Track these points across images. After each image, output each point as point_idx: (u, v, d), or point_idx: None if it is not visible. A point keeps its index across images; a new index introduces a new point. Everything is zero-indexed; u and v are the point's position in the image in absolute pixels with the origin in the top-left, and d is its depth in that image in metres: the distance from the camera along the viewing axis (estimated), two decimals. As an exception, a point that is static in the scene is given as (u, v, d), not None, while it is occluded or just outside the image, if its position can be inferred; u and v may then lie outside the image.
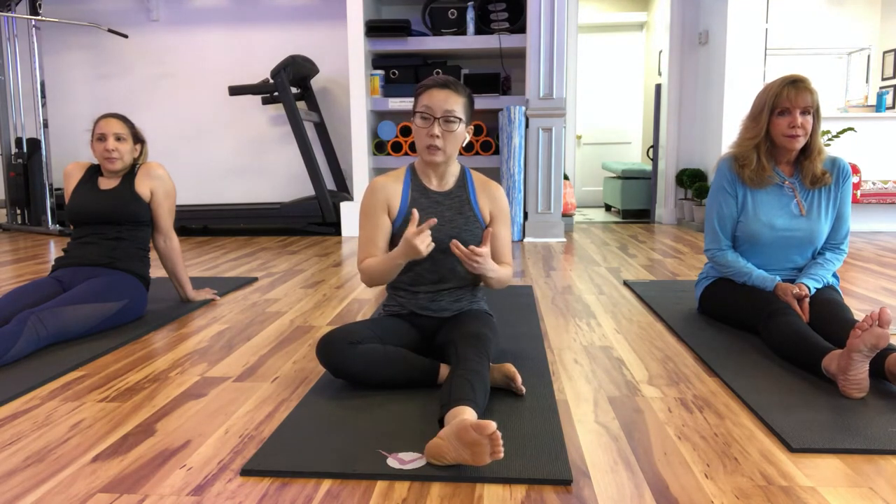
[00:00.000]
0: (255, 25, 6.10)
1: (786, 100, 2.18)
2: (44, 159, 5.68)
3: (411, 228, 1.70)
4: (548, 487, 1.28)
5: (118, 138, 2.61)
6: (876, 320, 1.61)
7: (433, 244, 1.73)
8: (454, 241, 1.70)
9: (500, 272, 1.87)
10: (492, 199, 1.96)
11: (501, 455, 1.26)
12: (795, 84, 2.17)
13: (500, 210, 1.96)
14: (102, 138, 2.60)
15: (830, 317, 2.03)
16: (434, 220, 1.70)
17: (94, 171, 2.71)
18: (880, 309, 1.61)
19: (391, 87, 5.41)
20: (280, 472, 1.33)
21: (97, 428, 1.59)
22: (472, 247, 1.70)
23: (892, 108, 6.03)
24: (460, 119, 1.81)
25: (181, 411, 1.69)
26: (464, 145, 1.86)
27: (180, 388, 1.87)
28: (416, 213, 1.72)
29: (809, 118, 2.18)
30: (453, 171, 1.95)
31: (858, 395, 1.67)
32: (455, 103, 1.80)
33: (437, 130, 1.79)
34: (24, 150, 5.78)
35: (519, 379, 1.74)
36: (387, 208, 1.89)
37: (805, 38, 6.58)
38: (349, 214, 5.48)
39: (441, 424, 1.45)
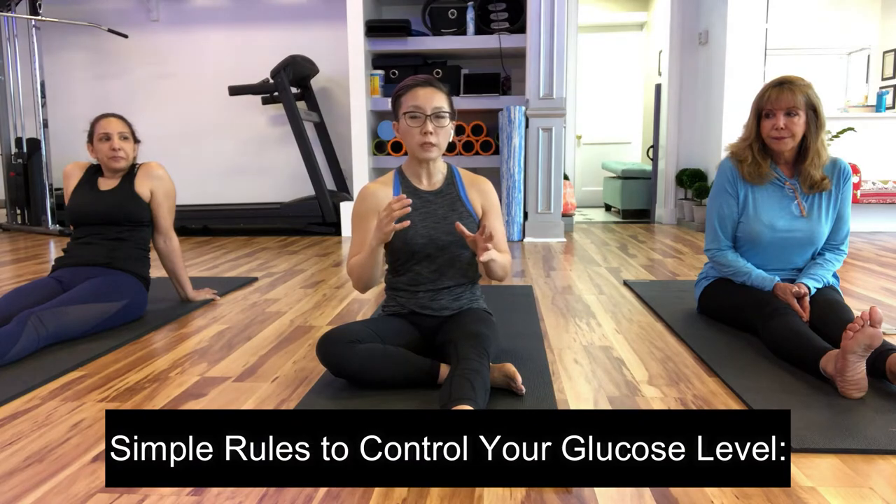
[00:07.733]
0: (255, 25, 6.09)
1: (768, 102, 2.18)
2: (44, 159, 5.68)
3: (386, 210, 1.68)
4: (548, 487, 1.28)
5: (123, 137, 2.62)
6: (867, 320, 1.61)
7: (416, 233, 1.71)
8: (458, 223, 1.72)
9: (501, 258, 1.85)
10: (481, 193, 1.97)
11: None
12: (780, 86, 2.17)
13: (491, 204, 1.98)
14: (107, 138, 2.59)
15: (831, 317, 2.03)
16: (408, 223, 1.70)
17: (93, 172, 2.71)
18: (870, 308, 1.61)
19: (391, 87, 5.40)
20: (280, 472, 1.33)
21: (97, 428, 1.59)
22: (478, 235, 1.69)
23: (892, 108, 6.03)
24: (448, 113, 1.85)
25: (181, 411, 1.69)
26: (450, 140, 1.90)
27: (180, 388, 1.88)
28: (403, 196, 1.68)
29: (797, 119, 2.16)
30: (441, 169, 1.96)
31: (857, 395, 1.67)
32: (441, 100, 1.83)
33: (430, 127, 1.81)
34: (24, 150, 5.78)
35: (519, 379, 1.74)
36: (378, 214, 1.88)
37: (805, 38, 6.59)
38: (349, 214, 5.48)
39: (441, 424, 1.45)
